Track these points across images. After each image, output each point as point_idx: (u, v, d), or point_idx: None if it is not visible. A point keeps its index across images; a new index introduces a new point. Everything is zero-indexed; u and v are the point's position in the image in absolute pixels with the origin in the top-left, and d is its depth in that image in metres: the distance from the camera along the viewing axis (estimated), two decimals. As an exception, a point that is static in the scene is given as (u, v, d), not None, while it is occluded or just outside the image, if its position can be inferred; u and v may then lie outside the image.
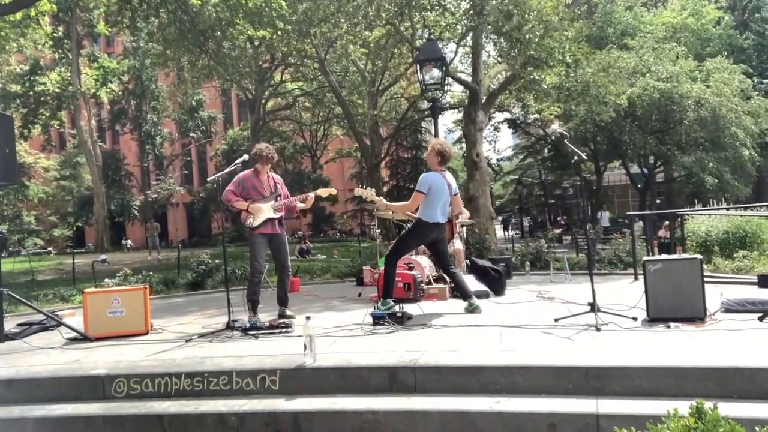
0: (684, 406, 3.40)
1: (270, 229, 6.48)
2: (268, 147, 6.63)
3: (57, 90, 32.43)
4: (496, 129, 41.22)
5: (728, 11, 33.02)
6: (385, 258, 6.55)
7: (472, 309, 6.31)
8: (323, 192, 6.90)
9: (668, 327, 4.88)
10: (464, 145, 25.67)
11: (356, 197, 47.47)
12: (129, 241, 41.99)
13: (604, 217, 30.92)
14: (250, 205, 6.34)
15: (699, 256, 5.21)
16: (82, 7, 30.46)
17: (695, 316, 5.02)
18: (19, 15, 16.95)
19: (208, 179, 6.42)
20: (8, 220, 41.10)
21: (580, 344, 4.46)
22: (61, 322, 6.38)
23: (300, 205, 6.75)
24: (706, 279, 5.23)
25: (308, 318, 4.44)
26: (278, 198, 6.57)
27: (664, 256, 5.64)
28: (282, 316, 6.51)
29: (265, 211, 6.42)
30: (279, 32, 18.12)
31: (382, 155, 33.34)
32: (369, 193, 6.61)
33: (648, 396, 3.64)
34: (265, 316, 6.47)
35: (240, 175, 6.48)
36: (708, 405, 2.22)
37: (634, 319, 5.19)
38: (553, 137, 33.21)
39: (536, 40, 13.40)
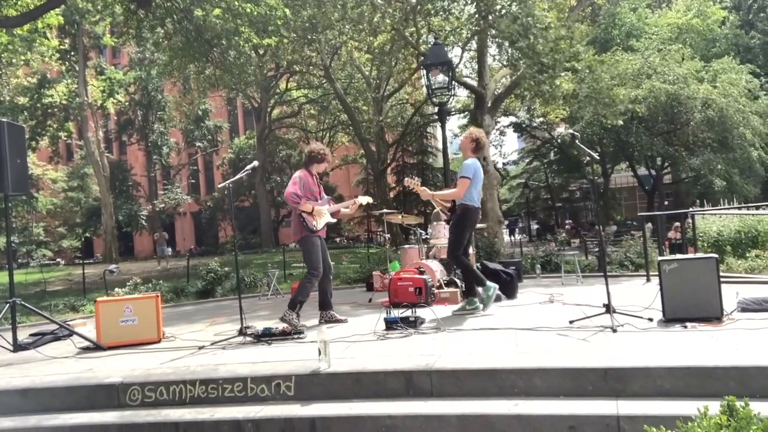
0: (707, 406, 3.38)
1: (323, 232, 6.51)
2: (323, 147, 6.65)
3: (64, 102, 32.64)
4: (502, 133, 41.16)
5: (733, 11, 32.92)
6: (451, 255, 6.57)
7: (472, 308, 6.37)
8: (363, 199, 6.98)
9: (685, 327, 4.83)
10: (470, 149, 25.64)
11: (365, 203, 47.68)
12: (168, 249, 41.78)
13: None
14: (315, 207, 6.29)
15: (714, 255, 5.15)
16: (89, 19, 30.71)
17: (712, 315, 4.96)
18: (26, 28, 17.05)
19: (218, 185, 6.39)
20: (17, 231, 41.28)
21: (597, 346, 4.42)
22: (74, 331, 6.38)
23: (344, 211, 6.83)
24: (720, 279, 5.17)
25: (322, 323, 4.41)
26: (329, 202, 6.62)
27: (679, 256, 5.59)
28: (330, 320, 6.44)
29: (325, 215, 6.42)
30: (284, 40, 18.17)
31: (388, 161, 33.35)
32: (415, 182, 6.71)
33: (669, 396, 3.59)
34: (273, 323, 6.42)
35: (299, 175, 6.38)
36: (739, 403, 2.17)
37: (650, 319, 5.14)
38: (562, 139, 33.07)
39: (547, 47, 13.37)
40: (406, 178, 7.05)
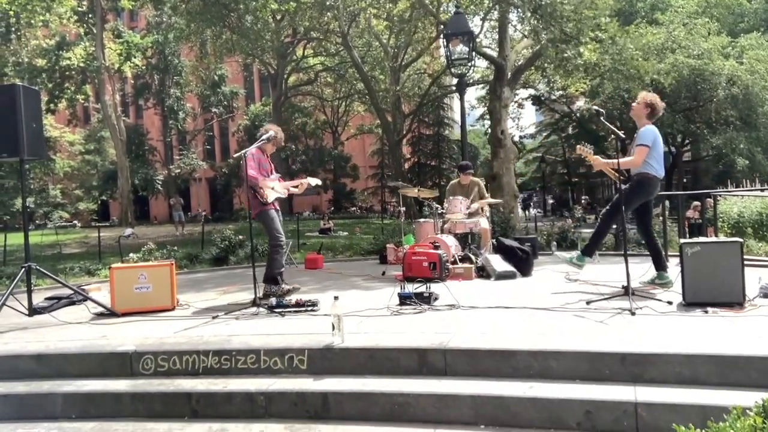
0: (728, 396, 3.31)
1: (276, 204, 6.63)
2: (279, 129, 6.75)
3: (82, 65, 32.58)
4: (520, 106, 40.65)
5: (763, -15, 31.96)
6: (605, 214, 6.29)
7: (663, 283, 5.99)
8: (313, 181, 7.07)
9: (706, 312, 4.73)
10: (488, 122, 25.33)
11: (377, 174, 47.50)
12: (204, 213, 42.43)
13: None
14: (271, 185, 6.40)
15: (739, 240, 5.03)
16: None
17: (734, 301, 4.85)
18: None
19: (234, 154, 6.37)
20: (35, 193, 41.67)
21: (615, 328, 4.34)
22: (88, 296, 6.40)
23: (293, 190, 6.93)
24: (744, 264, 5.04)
25: (336, 298, 4.37)
26: (279, 180, 6.74)
27: (702, 239, 5.46)
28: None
29: (278, 190, 6.55)
30: (302, 5, 17.91)
31: (404, 132, 33.10)
32: (587, 150, 6.25)
33: (688, 384, 3.51)
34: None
35: (253, 153, 6.43)
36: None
37: (669, 303, 5.05)
38: (582, 113, 32.58)
39: (570, 15, 13.04)
40: (578, 146, 6.53)
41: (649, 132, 5.91)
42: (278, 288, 6.38)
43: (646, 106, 6.00)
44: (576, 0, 13.19)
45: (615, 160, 6.08)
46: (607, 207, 6.38)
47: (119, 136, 34.56)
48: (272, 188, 6.41)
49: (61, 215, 43.93)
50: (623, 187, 5.84)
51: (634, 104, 6.07)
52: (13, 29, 29.26)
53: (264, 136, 6.36)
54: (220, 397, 4.05)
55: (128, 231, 24.14)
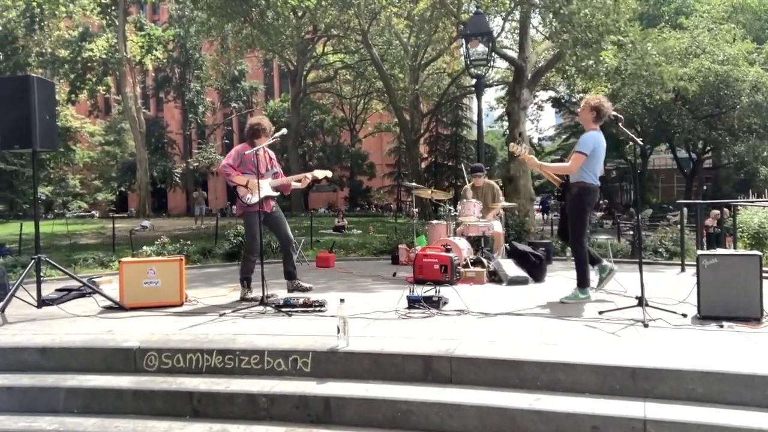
0: (742, 416, 3.21)
1: (266, 207, 6.40)
2: (268, 121, 6.57)
3: (104, 56, 32.84)
4: (540, 107, 40.31)
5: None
6: (573, 242, 6.02)
7: (608, 272, 6.07)
8: (319, 174, 6.76)
9: (721, 326, 4.60)
10: (506, 123, 25.14)
11: (393, 173, 47.40)
12: (234, 207, 42.70)
13: None
14: (250, 180, 6.19)
15: (758, 253, 4.89)
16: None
17: (751, 316, 4.72)
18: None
19: (246, 151, 6.28)
20: (54, 182, 42.12)
21: (627, 341, 4.24)
22: (97, 290, 6.40)
23: (295, 185, 6.73)
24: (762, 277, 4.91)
25: (342, 300, 4.31)
26: (275, 175, 6.55)
27: (720, 251, 5.32)
28: (297, 289, 6.63)
29: (264, 188, 6.29)
30: (323, 2, 17.87)
31: (422, 131, 32.98)
32: (520, 149, 6.17)
33: (701, 402, 3.41)
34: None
35: (238, 147, 6.34)
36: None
37: (684, 315, 4.93)
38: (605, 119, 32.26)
39: (590, 21, 12.88)
40: (511, 143, 6.38)
41: (590, 139, 5.71)
42: (244, 291, 6.43)
43: (591, 109, 5.75)
44: (595, 4, 13.01)
45: (550, 164, 6.01)
46: (570, 235, 6.07)
47: (139, 128, 34.81)
48: (246, 184, 6.15)
49: (80, 205, 44.39)
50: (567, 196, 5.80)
51: (579, 109, 5.88)
52: (37, 20, 29.57)
53: (278, 133, 6.28)
54: (222, 397, 4.01)
55: (145, 223, 24.30)
